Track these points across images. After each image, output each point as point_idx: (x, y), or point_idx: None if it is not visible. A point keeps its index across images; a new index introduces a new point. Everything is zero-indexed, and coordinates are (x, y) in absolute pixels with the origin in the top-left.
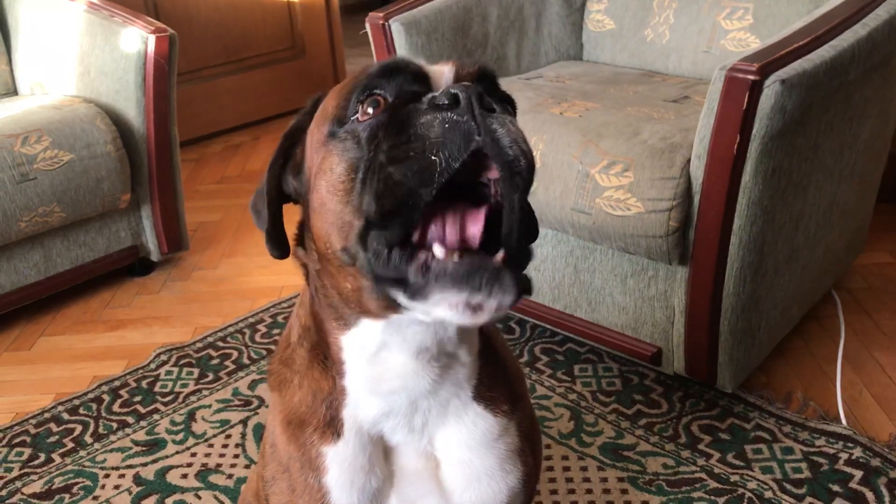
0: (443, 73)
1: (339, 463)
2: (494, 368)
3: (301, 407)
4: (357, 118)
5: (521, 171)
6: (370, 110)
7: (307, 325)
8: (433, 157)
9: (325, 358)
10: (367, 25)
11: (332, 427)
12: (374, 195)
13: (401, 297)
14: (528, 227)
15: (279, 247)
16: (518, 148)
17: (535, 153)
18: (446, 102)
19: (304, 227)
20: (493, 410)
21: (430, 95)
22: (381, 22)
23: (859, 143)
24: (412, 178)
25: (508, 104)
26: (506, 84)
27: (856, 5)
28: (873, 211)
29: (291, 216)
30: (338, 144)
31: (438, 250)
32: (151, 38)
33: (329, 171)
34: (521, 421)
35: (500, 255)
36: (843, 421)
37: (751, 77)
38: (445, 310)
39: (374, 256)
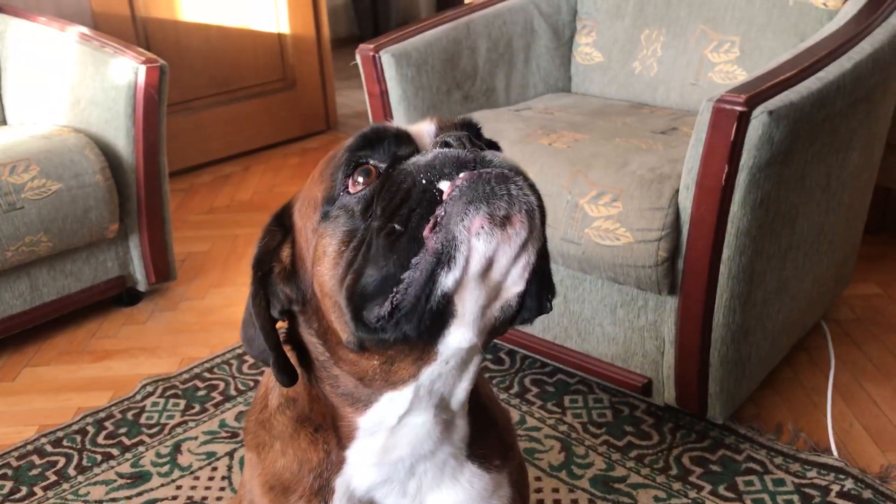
0: (424, 129)
1: None
2: (484, 422)
3: (285, 473)
4: (348, 191)
5: (523, 187)
6: (360, 179)
7: (292, 396)
8: (435, 192)
9: (315, 430)
10: (358, 57)
11: (319, 496)
12: (372, 259)
13: (443, 278)
14: (544, 259)
15: (286, 371)
16: (517, 171)
17: None
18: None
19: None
20: (486, 468)
21: (419, 154)
22: (371, 53)
23: (846, 175)
24: (417, 222)
25: (495, 150)
26: (494, 115)
27: (841, 39)
28: (861, 242)
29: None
30: (329, 224)
31: (444, 185)
32: (142, 69)
33: (324, 253)
34: (511, 471)
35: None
36: (835, 452)
37: (738, 108)
38: (478, 242)
39: (388, 324)
